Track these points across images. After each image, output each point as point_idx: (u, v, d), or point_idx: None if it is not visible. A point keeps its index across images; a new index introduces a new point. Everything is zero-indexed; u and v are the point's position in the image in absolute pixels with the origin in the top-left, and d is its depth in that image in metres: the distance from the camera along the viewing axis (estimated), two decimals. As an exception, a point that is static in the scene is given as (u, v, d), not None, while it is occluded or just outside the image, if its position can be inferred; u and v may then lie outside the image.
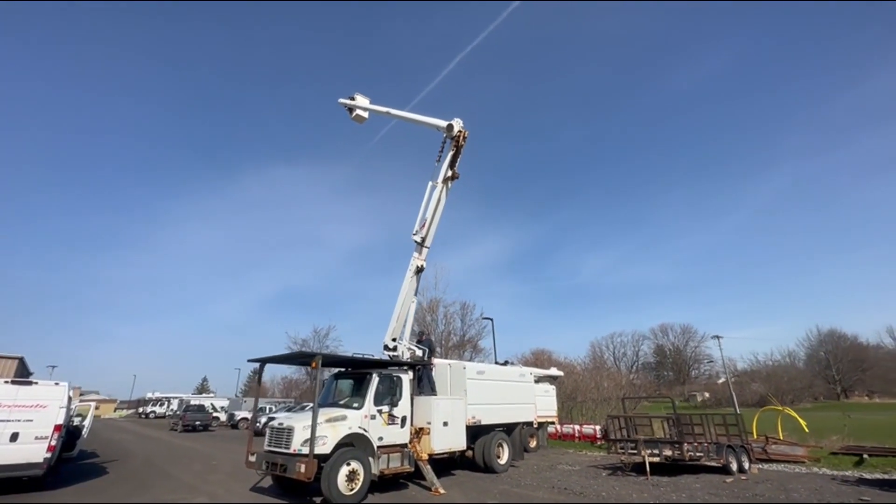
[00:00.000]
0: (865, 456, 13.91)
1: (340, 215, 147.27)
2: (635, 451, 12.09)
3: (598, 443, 20.30)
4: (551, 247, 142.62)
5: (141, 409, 54.41)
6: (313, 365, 8.95)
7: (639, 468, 12.04)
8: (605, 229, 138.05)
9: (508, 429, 13.05)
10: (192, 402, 36.47)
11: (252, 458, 9.54)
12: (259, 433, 26.75)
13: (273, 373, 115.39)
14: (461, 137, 13.80)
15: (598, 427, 21.44)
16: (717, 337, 53.42)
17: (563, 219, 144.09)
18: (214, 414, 35.15)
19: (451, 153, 13.94)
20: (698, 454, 11.79)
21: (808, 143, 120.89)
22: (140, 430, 32.54)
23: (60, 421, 10.52)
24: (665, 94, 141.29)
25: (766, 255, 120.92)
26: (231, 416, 34.69)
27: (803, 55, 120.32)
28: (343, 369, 11.49)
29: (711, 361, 75.42)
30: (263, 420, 26.91)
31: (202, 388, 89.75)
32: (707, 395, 76.03)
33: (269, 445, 9.25)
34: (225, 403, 42.28)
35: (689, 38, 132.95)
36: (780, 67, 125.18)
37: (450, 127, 13.84)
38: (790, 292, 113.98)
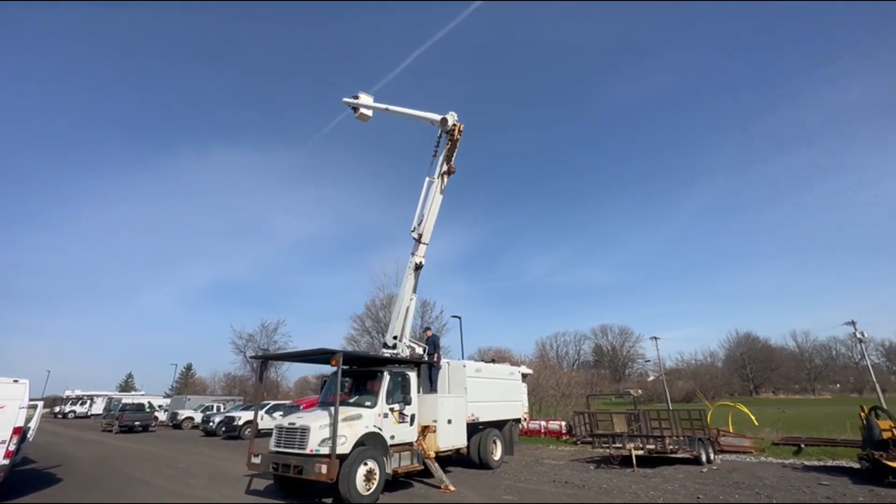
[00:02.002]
0: (802, 446, 15.75)
1: (286, 205, 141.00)
2: (620, 445, 12.84)
3: (564, 438, 21.24)
4: (499, 247, 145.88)
5: (58, 409, 48.86)
6: (333, 362, 8.65)
7: (620, 460, 12.77)
8: (551, 232, 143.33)
9: (499, 425, 13.33)
10: (129, 401, 33.32)
11: (256, 460, 9.03)
12: (212, 433, 25.16)
13: (214, 368, 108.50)
14: (456, 131, 13.82)
15: (563, 423, 22.43)
16: (655, 338, 57.71)
17: (512, 220, 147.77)
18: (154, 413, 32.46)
19: (446, 148, 13.96)
20: (675, 447, 12.76)
21: (733, 159, 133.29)
22: (66, 431, 29.31)
23: (21, 423, 9.37)
24: (613, 105, 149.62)
25: (695, 261, 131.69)
26: (174, 416, 32.22)
27: (734, 79, 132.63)
28: (345, 367, 11.14)
29: (648, 360, 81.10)
30: (218, 419, 25.38)
31: (127, 386, 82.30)
32: (640, 391, 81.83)
33: (279, 446, 8.81)
34: (164, 402, 39.18)
35: (636, 53, 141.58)
36: (714, 88, 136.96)
37: (444, 121, 13.84)
38: (715, 297, 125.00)
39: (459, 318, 29.20)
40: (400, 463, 9.47)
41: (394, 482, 10.10)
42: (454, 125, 13.79)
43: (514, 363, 33.63)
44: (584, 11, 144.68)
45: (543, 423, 22.95)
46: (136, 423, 28.37)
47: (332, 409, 9.11)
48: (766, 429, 20.58)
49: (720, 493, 9.15)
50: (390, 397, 9.75)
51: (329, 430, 8.37)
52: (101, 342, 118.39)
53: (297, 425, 8.68)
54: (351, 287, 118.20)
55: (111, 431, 28.20)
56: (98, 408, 48.37)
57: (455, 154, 14.13)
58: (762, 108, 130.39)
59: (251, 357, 13.48)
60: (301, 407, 16.71)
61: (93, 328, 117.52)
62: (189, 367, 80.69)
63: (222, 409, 31.07)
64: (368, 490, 8.36)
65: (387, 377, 9.85)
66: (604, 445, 13.42)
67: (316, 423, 8.47)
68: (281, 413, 22.65)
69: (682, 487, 9.78)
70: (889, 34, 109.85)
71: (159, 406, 36.32)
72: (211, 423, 25.27)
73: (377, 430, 9.08)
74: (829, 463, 13.22)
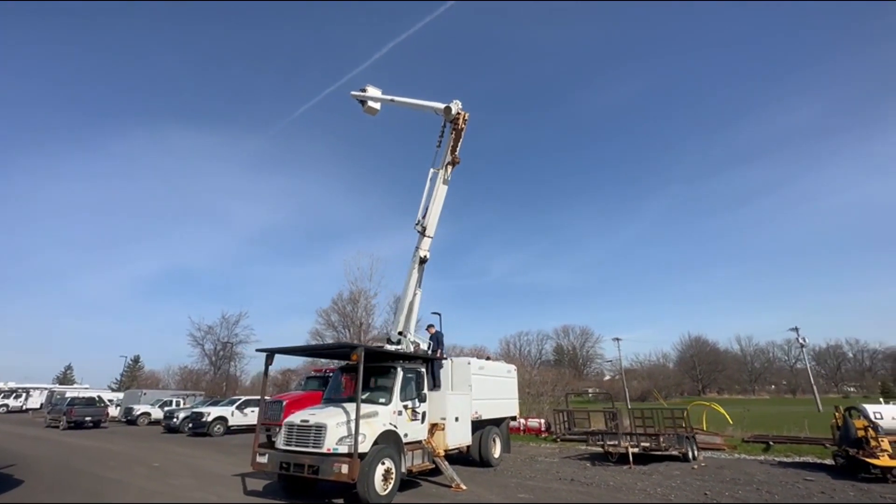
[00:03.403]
0: (771, 443, 16.71)
1: (246, 192, 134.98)
2: (615, 443, 13.10)
3: (544, 435, 21.54)
4: (464, 245, 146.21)
5: (-12, 402, 44.62)
6: (354, 357, 8.21)
7: (617, 458, 13.04)
8: (516, 232, 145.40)
9: (498, 423, 13.27)
10: (76, 395, 30.85)
11: (262, 459, 8.46)
12: (175, 429, 23.56)
13: (168, 361, 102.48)
14: (461, 120, 13.56)
15: (542, 420, 22.75)
16: (617, 339, 60.33)
17: (479, 219, 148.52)
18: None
19: (451, 137, 13.68)
20: (668, 444, 13.17)
21: (691, 170, 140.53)
22: (3, 427, 26.69)
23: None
24: (585, 111, 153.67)
25: (650, 266, 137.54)
26: (128, 411, 30.08)
27: (698, 92, 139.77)
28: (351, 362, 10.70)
29: (609, 360, 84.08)
30: (183, 415, 23.93)
31: (66, 378, 76.27)
32: (598, 390, 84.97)
33: (289, 445, 8.28)
34: (116, 396, 36.55)
35: (608, 60, 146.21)
36: (679, 101, 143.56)
37: (447, 110, 13.57)
38: (668, 301, 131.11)
39: (439, 314, 28.82)
40: (413, 461, 9.18)
41: (403, 481, 9.80)
42: (458, 114, 13.54)
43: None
44: (555, 16, 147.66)
45: (523, 420, 23.14)
46: (87, 418, 26.28)
47: (345, 406, 8.74)
48: (730, 427, 21.75)
49: (723, 490, 9.47)
50: (403, 394, 9.43)
51: (346, 428, 7.98)
52: (33, 331, 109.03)
53: (310, 423, 8.18)
54: (313, 280, 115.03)
55: (57, 427, 26.00)
56: (35, 402, 44.75)
57: (460, 144, 13.89)
58: (724, 121, 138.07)
59: (257, 350, 12.38)
60: (283, 403, 15.91)
61: (23, 315, 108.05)
62: (137, 360, 75.68)
63: (182, 405, 29.35)
64: (386, 490, 8.03)
65: (400, 373, 9.51)
66: (598, 443, 13.66)
67: (332, 421, 8.02)
68: (254, 409, 21.63)
69: (685, 484, 10.07)
70: (840, 58, 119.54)
71: (110, 400, 33.82)
72: (175, 420, 23.77)
73: (393, 428, 8.74)
74: (798, 459, 14.07)
